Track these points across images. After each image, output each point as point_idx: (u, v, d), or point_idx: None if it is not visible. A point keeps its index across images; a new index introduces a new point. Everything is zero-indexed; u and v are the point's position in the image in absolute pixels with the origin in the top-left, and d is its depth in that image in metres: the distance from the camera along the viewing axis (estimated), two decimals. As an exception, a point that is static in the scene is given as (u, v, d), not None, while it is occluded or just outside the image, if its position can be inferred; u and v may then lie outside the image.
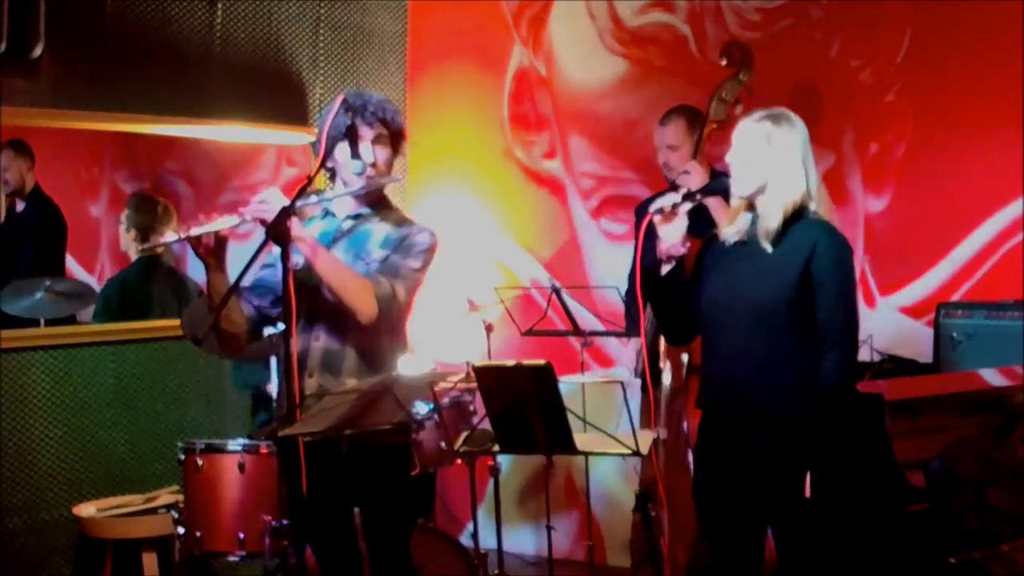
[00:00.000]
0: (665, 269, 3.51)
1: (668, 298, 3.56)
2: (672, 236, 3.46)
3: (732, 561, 3.53)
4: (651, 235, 3.51)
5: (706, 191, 3.57)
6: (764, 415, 3.39)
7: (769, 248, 3.40)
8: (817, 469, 3.33)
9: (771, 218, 3.39)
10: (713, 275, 3.51)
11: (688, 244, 3.49)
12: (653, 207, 3.48)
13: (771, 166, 3.38)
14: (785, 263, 3.37)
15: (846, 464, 3.46)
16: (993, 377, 4.02)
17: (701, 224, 3.94)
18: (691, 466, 4.04)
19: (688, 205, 3.46)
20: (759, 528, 3.48)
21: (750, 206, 3.46)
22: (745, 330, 3.40)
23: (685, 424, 4.40)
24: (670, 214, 3.44)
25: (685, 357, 4.37)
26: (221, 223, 3.21)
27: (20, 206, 4.93)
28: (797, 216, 3.40)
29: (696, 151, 4.54)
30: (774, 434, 3.37)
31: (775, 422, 3.37)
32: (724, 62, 4.60)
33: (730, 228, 3.49)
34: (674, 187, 4.65)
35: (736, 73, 4.57)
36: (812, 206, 3.41)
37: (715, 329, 3.50)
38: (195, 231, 3.20)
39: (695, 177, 4.37)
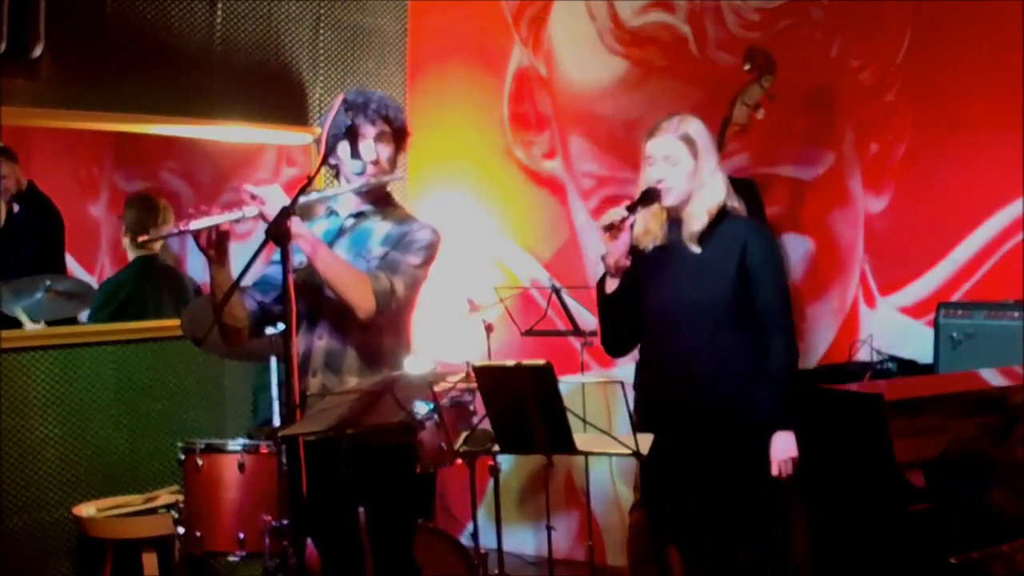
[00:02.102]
0: (612, 282, 3.59)
1: (618, 311, 3.62)
2: (619, 249, 3.53)
3: (699, 557, 3.57)
4: None
5: (644, 202, 3.60)
6: (717, 409, 3.48)
7: (697, 249, 3.52)
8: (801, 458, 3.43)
9: (697, 221, 3.53)
10: (644, 283, 3.59)
11: (630, 257, 3.56)
12: (601, 223, 3.56)
13: (697, 172, 3.54)
14: (719, 261, 3.51)
15: (846, 464, 3.47)
16: (993, 377, 4.02)
17: None
18: None
19: (633, 218, 3.54)
20: (718, 522, 3.52)
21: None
22: (689, 329, 3.52)
23: None
24: (618, 228, 3.50)
25: None
26: (221, 217, 3.21)
27: (15, 208, 4.92)
28: (721, 215, 3.54)
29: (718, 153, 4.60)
30: (728, 425, 3.47)
31: (728, 414, 3.47)
32: (747, 67, 4.68)
33: (646, 236, 3.60)
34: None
35: (759, 78, 4.65)
36: (730, 202, 3.57)
37: (659, 332, 3.60)
38: (194, 225, 3.19)
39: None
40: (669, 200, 3.56)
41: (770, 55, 4.72)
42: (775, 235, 3.68)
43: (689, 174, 3.54)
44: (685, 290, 3.52)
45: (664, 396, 3.60)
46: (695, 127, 3.59)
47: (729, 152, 5.04)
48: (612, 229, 3.50)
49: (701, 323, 3.50)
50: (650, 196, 3.61)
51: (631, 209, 3.52)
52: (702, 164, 3.55)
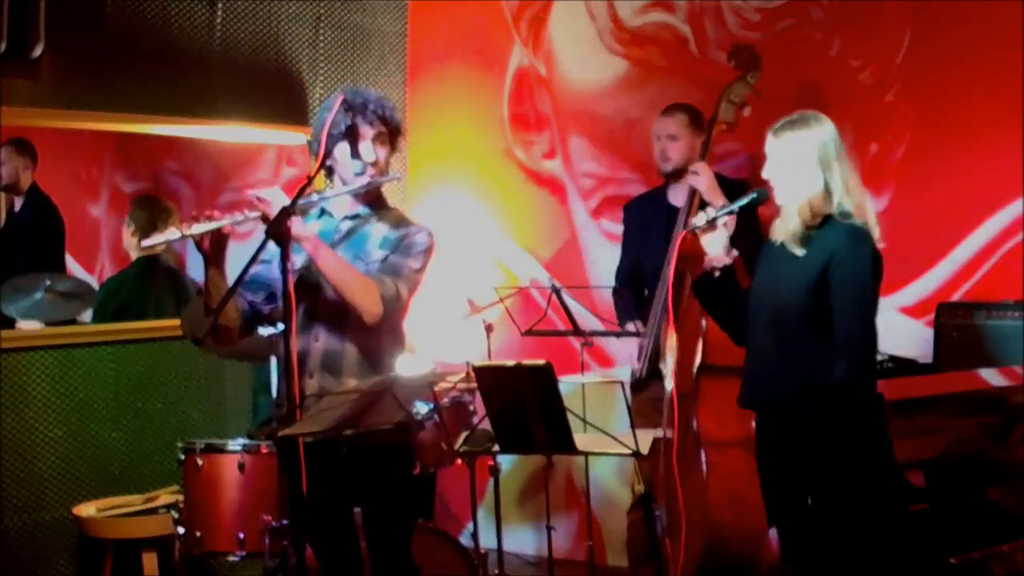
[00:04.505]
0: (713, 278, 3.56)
1: (722, 306, 3.60)
2: (714, 247, 3.49)
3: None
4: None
5: (746, 206, 3.53)
6: (784, 414, 3.43)
7: (800, 251, 3.41)
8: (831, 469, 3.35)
9: (791, 220, 3.41)
10: (756, 275, 3.55)
11: (734, 254, 3.50)
12: (694, 222, 3.51)
13: (790, 169, 3.41)
14: (806, 267, 3.38)
15: (846, 464, 3.48)
16: (993, 377, 4.02)
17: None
18: (704, 465, 4.04)
19: (726, 217, 3.49)
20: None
21: None
22: (766, 330, 3.45)
23: (695, 423, 4.40)
24: (707, 227, 3.47)
25: (698, 358, 4.37)
26: (222, 221, 3.21)
27: (17, 205, 4.92)
28: (826, 218, 3.40)
29: (704, 152, 4.60)
30: (795, 433, 3.39)
31: (794, 421, 3.40)
32: (733, 63, 4.64)
33: (777, 231, 3.51)
34: (667, 179, 4.73)
35: (744, 75, 4.61)
36: (837, 205, 3.38)
37: (751, 327, 3.54)
38: (196, 229, 3.20)
39: (703, 178, 4.46)
40: (776, 198, 3.46)
41: (755, 51, 4.67)
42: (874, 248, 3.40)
43: (789, 171, 3.40)
44: (774, 290, 3.44)
45: (744, 392, 3.57)
46: (797, 121, 3.44)
47: (729, 152, 5.05)
48: (701, 228, 3.47)
49: (778, 325, 3.40)
50: (753, 200, 3.52)
51: (727, 210, 3.48)
52: (801, 161, 3.39)
